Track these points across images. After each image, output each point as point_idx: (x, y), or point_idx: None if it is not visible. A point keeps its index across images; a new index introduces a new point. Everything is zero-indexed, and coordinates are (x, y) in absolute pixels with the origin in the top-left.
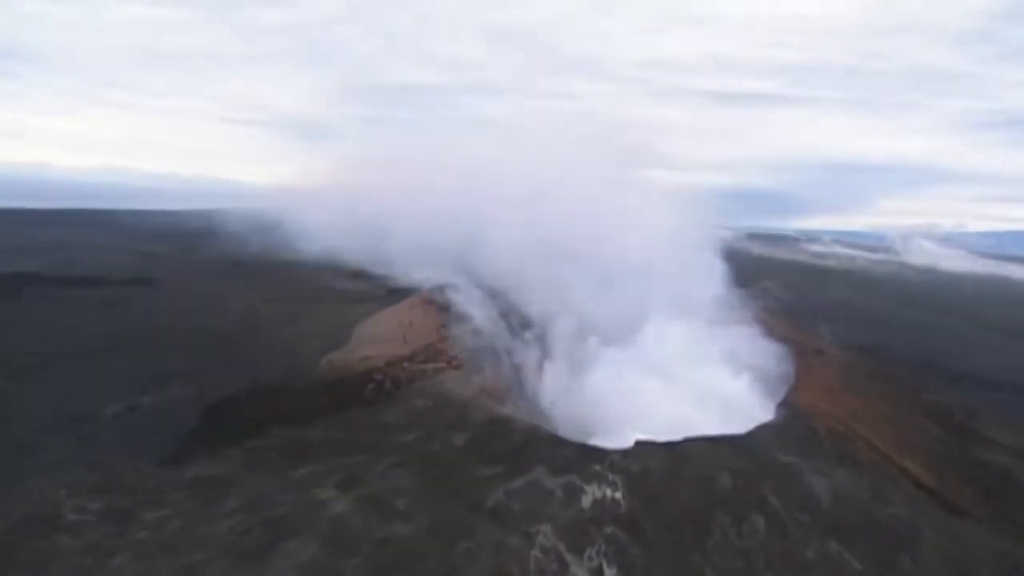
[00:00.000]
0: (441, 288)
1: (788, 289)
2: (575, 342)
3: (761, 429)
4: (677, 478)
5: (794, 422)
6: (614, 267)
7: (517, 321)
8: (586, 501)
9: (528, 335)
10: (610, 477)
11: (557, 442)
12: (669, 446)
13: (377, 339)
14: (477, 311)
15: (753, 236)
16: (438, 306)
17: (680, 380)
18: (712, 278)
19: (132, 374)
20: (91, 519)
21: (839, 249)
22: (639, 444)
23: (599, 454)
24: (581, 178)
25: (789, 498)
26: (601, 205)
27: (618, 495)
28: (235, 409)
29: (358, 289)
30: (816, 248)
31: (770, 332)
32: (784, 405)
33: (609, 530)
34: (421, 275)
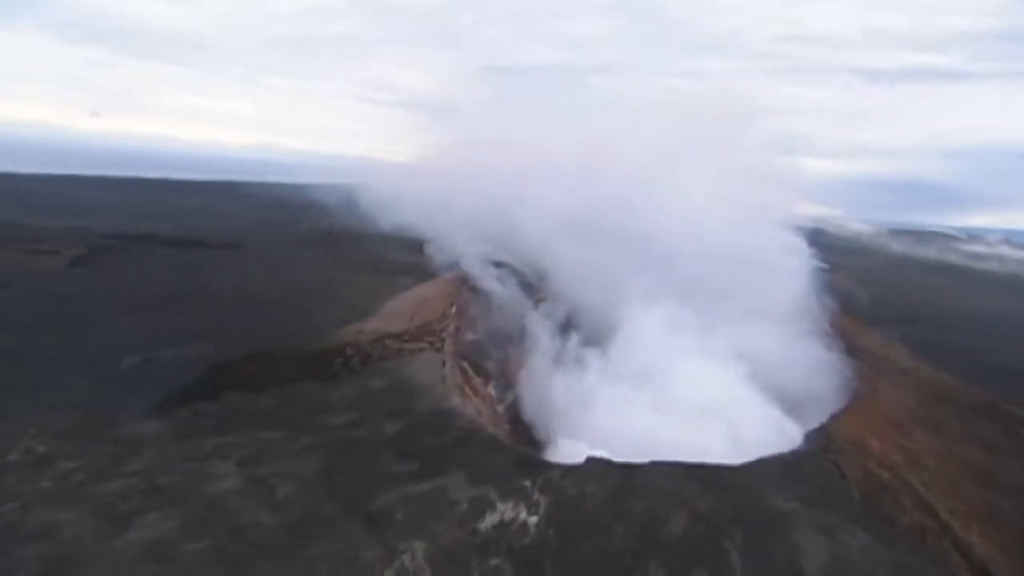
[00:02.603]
0: (470, 266)
1: (910, 293)
2: (564, 335)
3: (763, 462)
4: (617, 510)
5: (816, 458)
6: (668, 253)
7: (542, 306)
8: (488, 521)
9: (545, 321)
10: (534, 497)
11: (496, 447)
12: (626, 469)
13: (392, 313)
14: (506, 292)
15: (896, 232)
16: (464, 284)
17: (672, 391)
18: (788, 275)
19: (165, 329)
20: (26, 462)
21: (1006, 250)
22: (591, 461)
23: (538, 468)
24: (654, 157)
25: (759, 560)
26: (675, 187)
27: (532, 520)
28: (221, 371)
29: (412, 262)
30: (975, 248)
31: (838, 341)
32: (816, 434)
33: (495, 562)
34: (468, 251)
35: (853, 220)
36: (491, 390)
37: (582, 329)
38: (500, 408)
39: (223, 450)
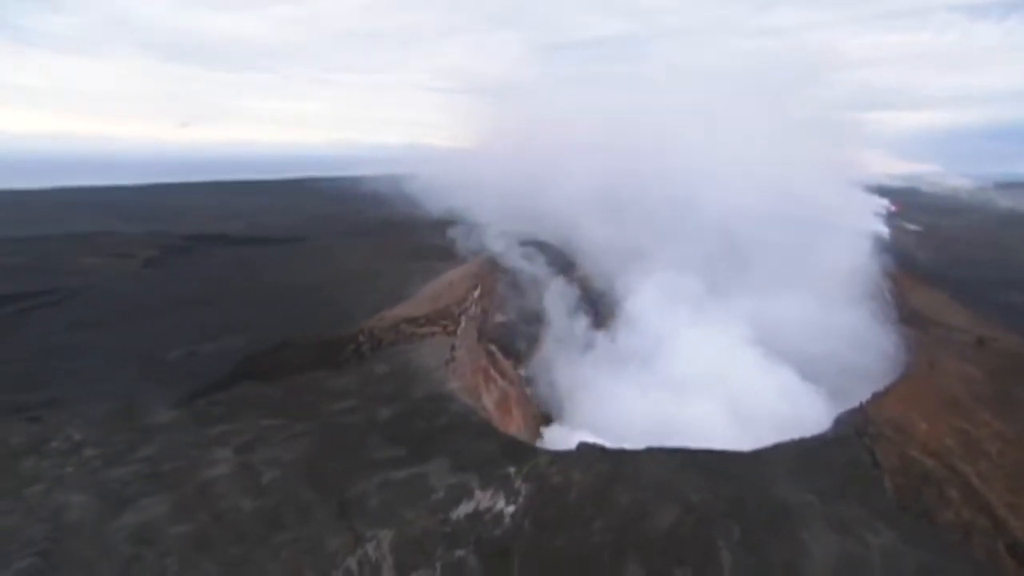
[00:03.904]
0: (503, 247)
1: (1016, 253)
2: (585, 314)
3: (778, 448)
4: (603, 501)
5: (844, 443)
6: (719, 218)
7: (569, 284)
8: (462, 511)
9: (566, 301)
10: (516, 485)
11: (487, 432)
12: (619, 456)
13: (421, 298)
14: (539, 272)
15: (1004, 186)
16: (494, 266)
17: (677, 364)
18: (848, 236)
19: (209, 323)
20: (62, 448)
21: None
22: (582, 448)
23: (526, 454)
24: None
25: (753, 559)
26: (731, 152)
27: (508, 510)
28: (249, 362)
29: (453, 248)
30: None
31: (899, 310)
32: (849, 415)
33: (460, 553)
34: (506, 232)
35: (952, 175)
36: (521, 372)
37: (610, 306)
38: (529, 391)
39: (224, 437)
